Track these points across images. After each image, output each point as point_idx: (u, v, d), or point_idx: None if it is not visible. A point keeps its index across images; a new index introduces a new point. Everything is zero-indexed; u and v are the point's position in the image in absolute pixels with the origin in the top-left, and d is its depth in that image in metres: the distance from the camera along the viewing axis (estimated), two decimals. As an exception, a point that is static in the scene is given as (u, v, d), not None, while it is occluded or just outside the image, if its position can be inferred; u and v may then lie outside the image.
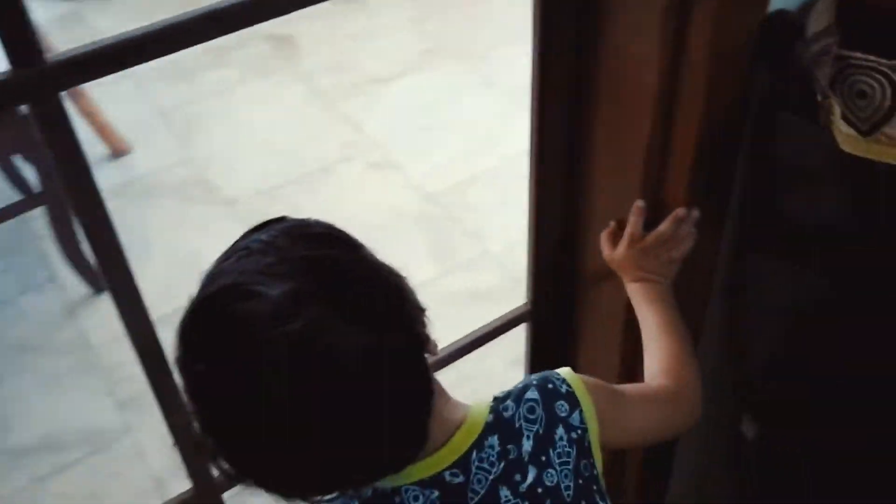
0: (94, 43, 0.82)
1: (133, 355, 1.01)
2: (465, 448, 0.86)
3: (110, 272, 0.94)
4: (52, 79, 0.81)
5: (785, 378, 1.26)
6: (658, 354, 1.12)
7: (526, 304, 1.49)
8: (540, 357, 1.55)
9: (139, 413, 2.29)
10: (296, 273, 0.72)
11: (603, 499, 0.92)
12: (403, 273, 0.79)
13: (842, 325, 1.12)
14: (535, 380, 0.93)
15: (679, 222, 1.15)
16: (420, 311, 0.79)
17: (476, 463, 0.86)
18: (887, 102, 0.92)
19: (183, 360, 0.73)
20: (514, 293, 2.64)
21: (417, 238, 2.80)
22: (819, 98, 0.95)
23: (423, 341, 0.78)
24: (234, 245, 0.78)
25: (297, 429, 0.71)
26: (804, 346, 1.21)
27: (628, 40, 1.09)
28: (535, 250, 1.39)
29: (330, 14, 3.70)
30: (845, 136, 0.94)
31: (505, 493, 0.86)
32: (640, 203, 1.18)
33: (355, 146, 3.16)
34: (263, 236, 0.76)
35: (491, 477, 0.86)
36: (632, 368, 1.43)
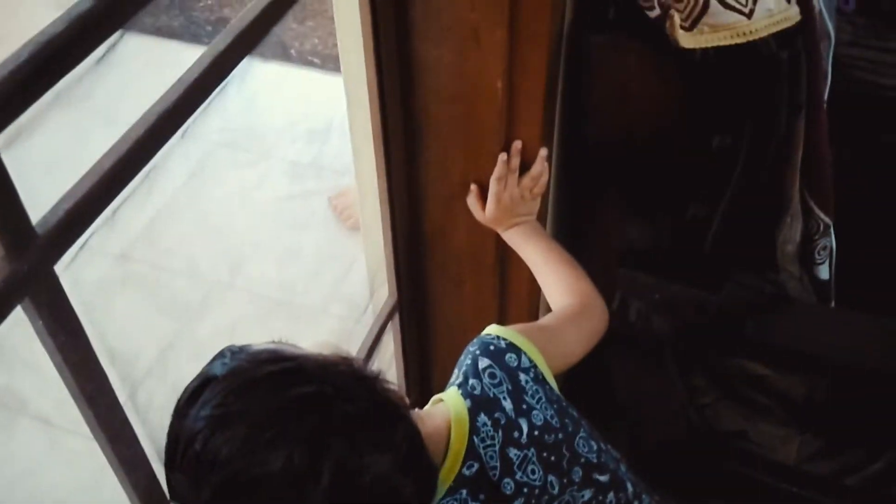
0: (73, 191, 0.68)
1: None
2: (465, 441, 0.93)
3: None
4: (47, 251, 0.66)
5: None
6: (555, 282, 1.24)
7: (391, 298, 1.51)
8: (414, 345, 1.60)
9: None
10: (280, 432, 0.71)
11: (572, 408, 1.05)
12: (342, 350, 0.82)
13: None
14: (476, 350, 1.02)
15: (542, 161, 1.27)
16: (384, 381, 0.81)
17: (481, 446, 0.94)
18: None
19: None
20: (276, 312, 2.58)
21: (141, 303, 2.56)
22: (657, 13, 1.12)
23: (406, 409, 0.82)
24: (178, 429, 0.73)
25: None
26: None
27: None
28: (392, 242, 1.42)
29: None
30: (682, 36, 1.12)
31: (513, 452, 0.95)
32: (504, 156, 1.27)
33: None
34: (208, 411, 0.72)
35: (498, 447, 0.94)
36: (507, 307, 1.54)
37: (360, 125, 1.36)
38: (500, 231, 1.32)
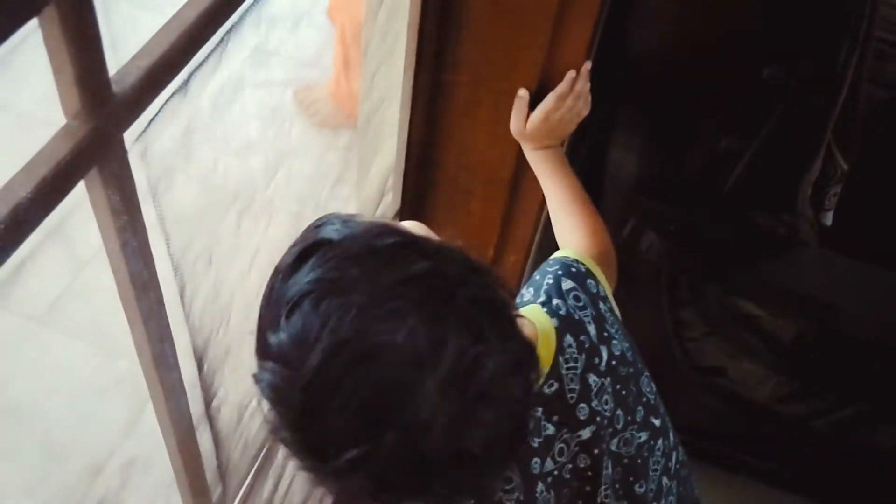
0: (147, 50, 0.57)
1: None
2: (551, 359, 0.88)
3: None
4: (121, 115, 0.56)
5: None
6: (577, 224, 1.15)
7: (394, 204, 1.43)
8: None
9: None
10: (403, 306, 0.62)
11: (636, 347, 1.00)
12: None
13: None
14: (557, 269, 0.96)
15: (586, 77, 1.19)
16: (498, 275, 0.73)
17: (564, 367, 0.88)
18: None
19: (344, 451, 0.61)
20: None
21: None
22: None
23: (513, 304, 0.74)
24: (279, 292, 0.64)
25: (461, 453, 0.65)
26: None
27: None
28: (406, 146, 1.32)
29: None
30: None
31: (592, 378, 0.91)
32: (573, 73, 1.17)
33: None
34: (319, 273, 0.63)
35: (579, 371, 0.89)
36: (510, 230, 1.48)
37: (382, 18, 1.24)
38: (528, 149, 1.24)
